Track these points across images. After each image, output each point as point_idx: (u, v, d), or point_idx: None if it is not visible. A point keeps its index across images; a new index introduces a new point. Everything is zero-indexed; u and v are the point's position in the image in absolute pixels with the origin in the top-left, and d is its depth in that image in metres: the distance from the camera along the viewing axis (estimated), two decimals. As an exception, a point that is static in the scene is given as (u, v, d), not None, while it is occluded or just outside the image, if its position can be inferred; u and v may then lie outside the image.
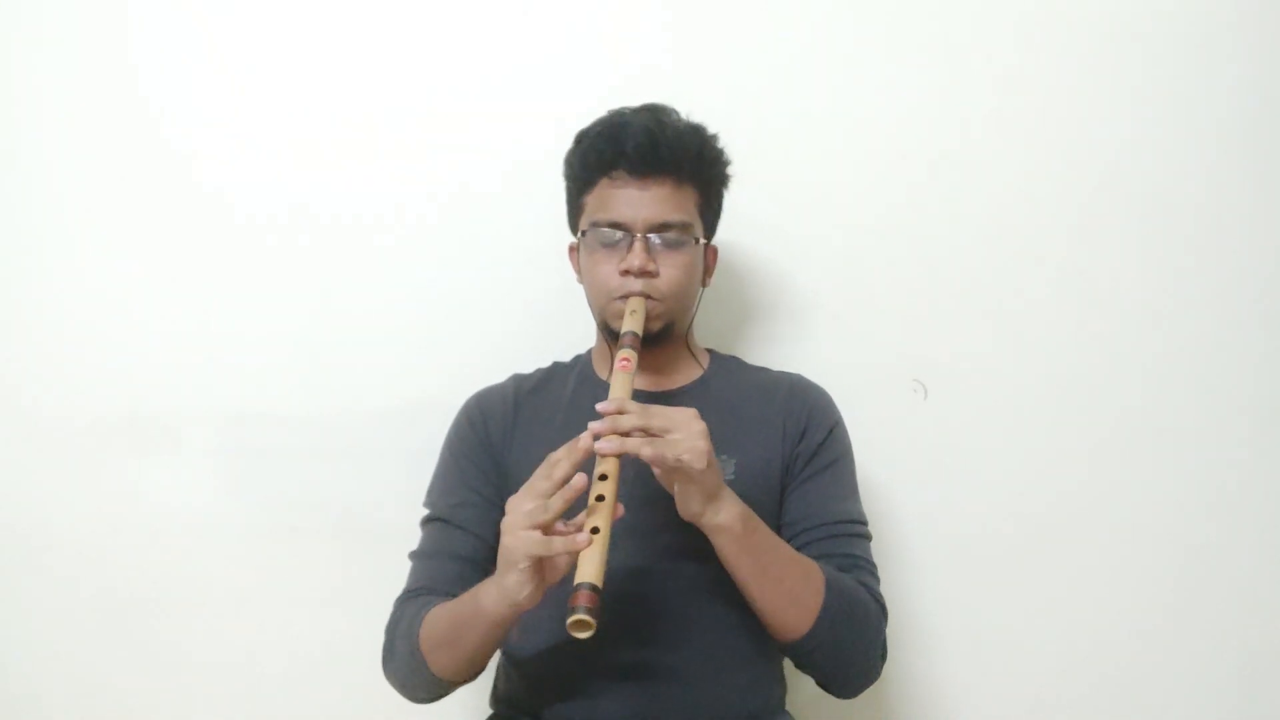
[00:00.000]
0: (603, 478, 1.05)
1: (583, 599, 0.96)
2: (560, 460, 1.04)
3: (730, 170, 1.34)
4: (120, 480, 1.58)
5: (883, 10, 1.59)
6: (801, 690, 1.28)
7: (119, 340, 1.59)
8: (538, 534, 1.01)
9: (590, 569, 0.98)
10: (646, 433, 1.06)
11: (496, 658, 1.32)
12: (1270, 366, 1.60)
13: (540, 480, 1.04)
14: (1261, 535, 1.60)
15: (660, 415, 1.08)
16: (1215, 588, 1.59)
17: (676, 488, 1.10)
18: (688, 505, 1.10)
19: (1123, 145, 1.60)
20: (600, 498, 1.04)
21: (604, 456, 1.05)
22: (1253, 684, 1.60)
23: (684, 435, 1.06)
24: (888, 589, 1.25)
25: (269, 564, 1.59)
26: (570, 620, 0.95)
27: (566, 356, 1.44)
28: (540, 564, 1.04)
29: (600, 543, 1.01)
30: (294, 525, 1.58)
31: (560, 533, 1.03)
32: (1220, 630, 1.59)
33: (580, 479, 1.03)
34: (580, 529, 1.02)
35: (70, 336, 1.59)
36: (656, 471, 1.10)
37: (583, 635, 0.96)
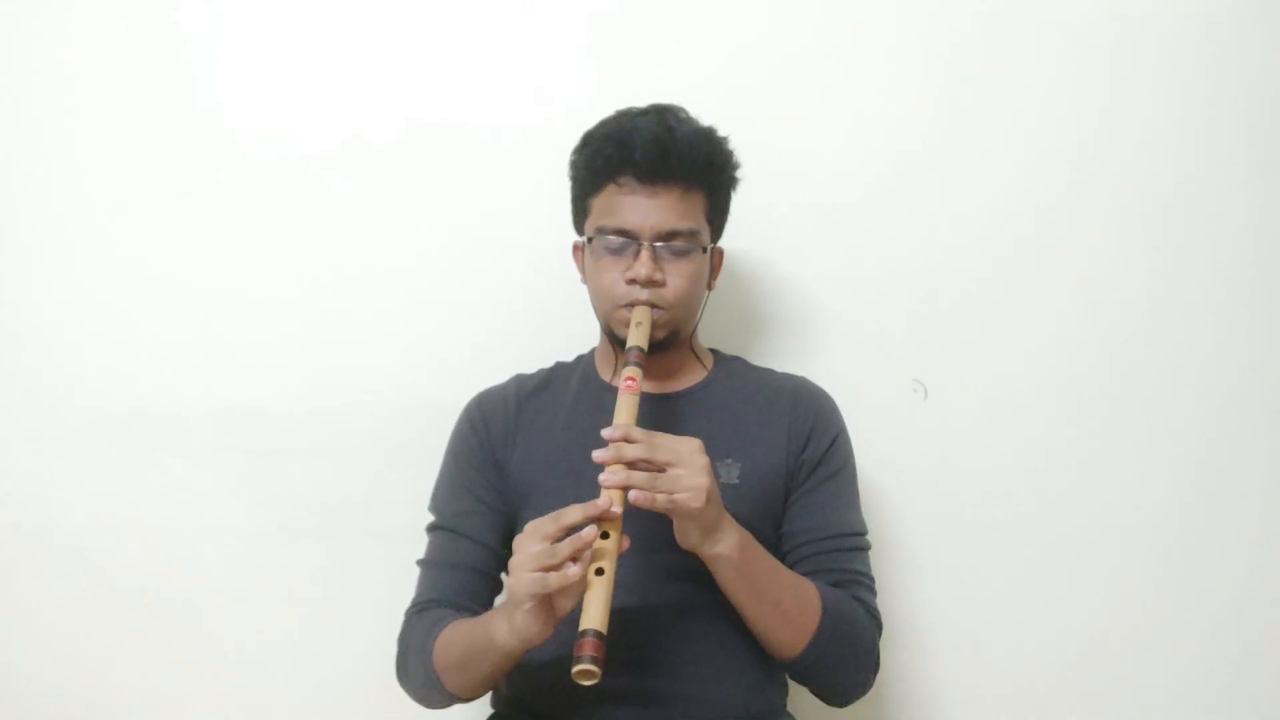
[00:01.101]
0: None
1: (588, 647, 0.95)
2: (573, 511, 1.03)
3: (739, 173, 1.33)
4: (120, 480, 1.58)
5: (884, 12, 1.58)
6: (804, 691, 1.29)
7: (118, 340, 1.58)
8: (540, 574, 1.00)
9: (595, 614, 0.98)
10: (651, 464, 1.06)
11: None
12: (1270, 367, 1.61)
13: (548, 524, 1.03)
14: (1262, 535, 1.60)
15: (665, 448, 1.07)
16: (1216, 587, 1.60)
17: (675, 522, 1.10)
18: (685, 538, 1.11)
19: (1123, 145, 1.60)
20: (605, 535, 1.03)
21: (609, 489, 1.04)
22: (1252, 682, 1.61)
23: (686, 471, 1.06)
24: (888, 589, 1.27)
25: (269, 563, 1.58)
26: (575, 670, 0.95)
27: (568, 355, 1.43)
28: (548, 601, 1.04)
29: (604, 584, 1.00)
30: (294, 524, 1.58)
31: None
32: (1221, 630, 1.60)
33: (591, 530, 1.02)
34: (578, 561, 1.01)
35: (70, 336, 1.59)
36: None
37: (587, 683, 0.95)
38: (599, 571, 1.01)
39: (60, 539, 1.58)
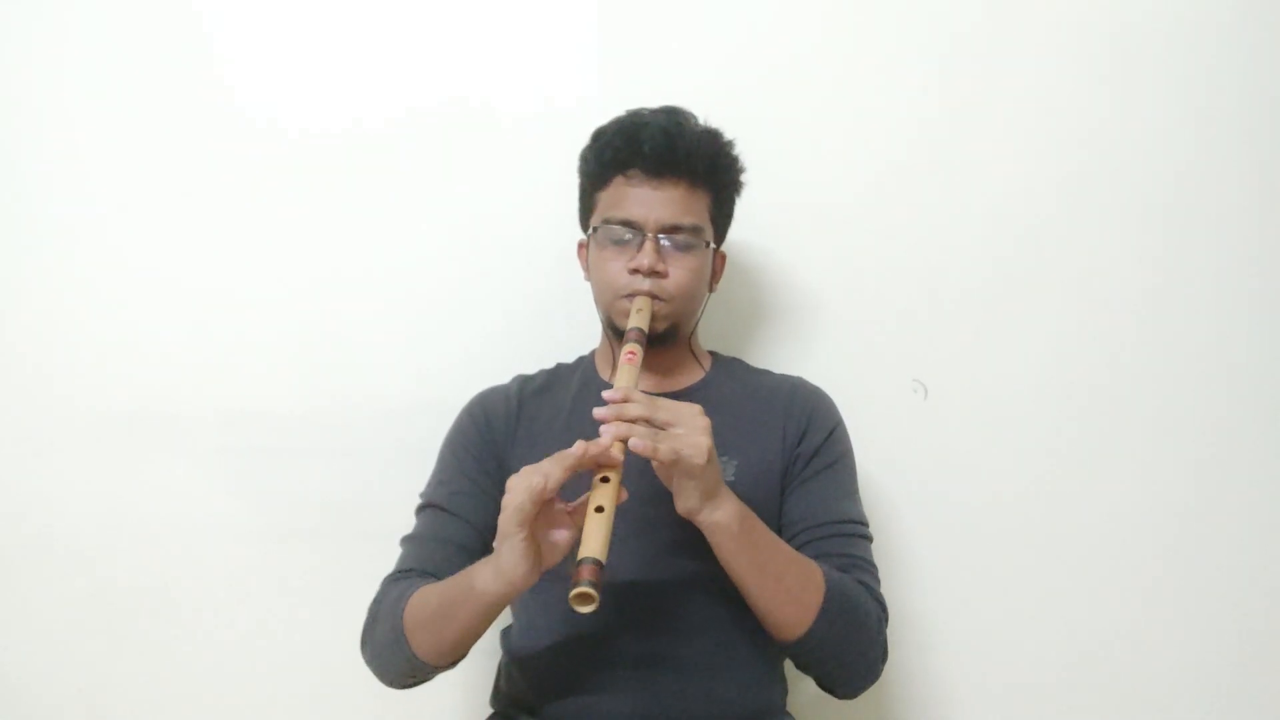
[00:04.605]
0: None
1: (586, 573, 0.95)
2: (575, 448, 1.03)
3: (744, 178, 1.34)
4: (120, 480, 1.58)
5: (884, 13, 1.59)
6: (803, 691, 1.29)
7: (118, 340, 1.58)
8: (536, 478, 1.00)
9: (594, 544, 0.98)
10: (650, 424, 1.06)
11: (498, 655, 1.32)
12: (1269, 367, 1.61)
13: (549, 463, 1.03)
14: (1263, 533, 1.60)
15: (666, 409, 1.08)
16: (1216, 586, 1.60)
17: (675, 483, 1.09)
18: (685, 502, 1.09)
19: (1123, 146, 1.61)
20: (605, 479, 1.04)
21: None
22: (1254, 682, 1.61)
23: (687, 430, 1.06)
24: (888, 589, 1.25)
25: (269, 563, 1.58)
26: (573, 593, 0.94)
27: (569, 357, 1.44)
28: (536, 540, 1.04)
29: (604, 520, 1.00)
30: (294, 525, 1.58)
31: (560, 512, 1.04)
32: (1222, 628, 1.60)
33: (588, 448, 1.02)
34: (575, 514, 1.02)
35: (69, 336, 1.58)
36: (656, 465, 1.08)
37: (585, 609, 0.94)
38: (599, 509, 1.01)
39: (60, 539, 1.58)
